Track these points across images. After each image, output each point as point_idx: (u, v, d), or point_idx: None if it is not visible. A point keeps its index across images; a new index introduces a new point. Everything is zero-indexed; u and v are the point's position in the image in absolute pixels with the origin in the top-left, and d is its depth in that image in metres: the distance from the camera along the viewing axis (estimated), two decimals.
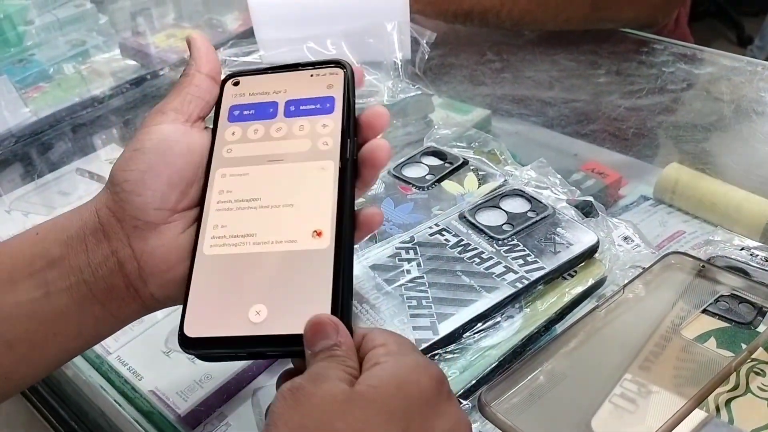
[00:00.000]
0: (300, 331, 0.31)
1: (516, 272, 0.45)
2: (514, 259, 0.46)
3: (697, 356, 0.42)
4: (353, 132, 0.37)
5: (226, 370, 0.49)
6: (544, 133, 0.71)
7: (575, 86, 0.73)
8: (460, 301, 0.44)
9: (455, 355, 0.42)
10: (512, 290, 0.44)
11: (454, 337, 0.42)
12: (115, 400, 0.49)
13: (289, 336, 0.32)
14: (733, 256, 0.50)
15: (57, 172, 0.72)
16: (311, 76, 0.39)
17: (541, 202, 0.51)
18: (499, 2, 0.76)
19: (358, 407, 0.28)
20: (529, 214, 0.50)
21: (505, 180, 0.56)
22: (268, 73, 0.40)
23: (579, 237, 0.47)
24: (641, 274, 0.48)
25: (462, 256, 0.47)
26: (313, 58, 0.71)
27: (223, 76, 0.40)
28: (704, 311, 0.45)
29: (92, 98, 0.82)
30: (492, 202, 0.52)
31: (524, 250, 0.47)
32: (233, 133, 0.38)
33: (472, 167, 0.58)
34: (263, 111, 0.38)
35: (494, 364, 0.42)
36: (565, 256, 0.46)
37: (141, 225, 0.35)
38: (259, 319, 0.32)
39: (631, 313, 0.46)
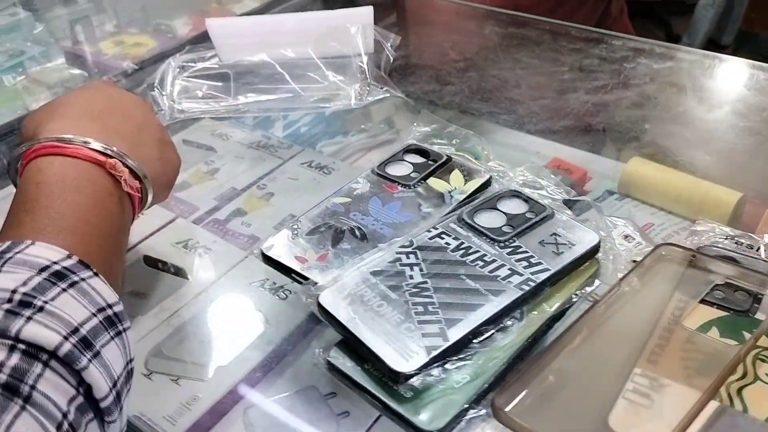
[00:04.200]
0: None
1: (521, 274, 0.44)
2: (518, 261, 0.45)
3: (703, 346, 0.43)
4: None
5: (214, 390, 0.46)
6: (505, 132, 0.70)
7: (541, 84, 0.74)
8: (467, 305, 0.42)
9: (466, 362, 0.41)
10: (519, 293, 0.43)
11: (464, 342, 0.41)
12: None
13: None
14: (719, 246, 0.51)
15: None
16: None
17: (538, 203, 0.50)
18: None
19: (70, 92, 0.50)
20: (528, 215, 0.49)
21: (491, 176, 0.56)
22: None
23: (581, 237, 0.47)
24: (635, 268, 0.48)
25: (464, 259, 0.46)
26: (274, 62, 0.69)
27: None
28: (702, 301, 0.46)
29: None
30: (489, 203, 0.51)
31: (527, 252, 0.46)
32: None
33: (456, 164, 0.57)
34: None
35: (503, 367, 0.41)
36: (568, 257, 0.46)
37: None
38: None
39: (630, 306, 0.46)
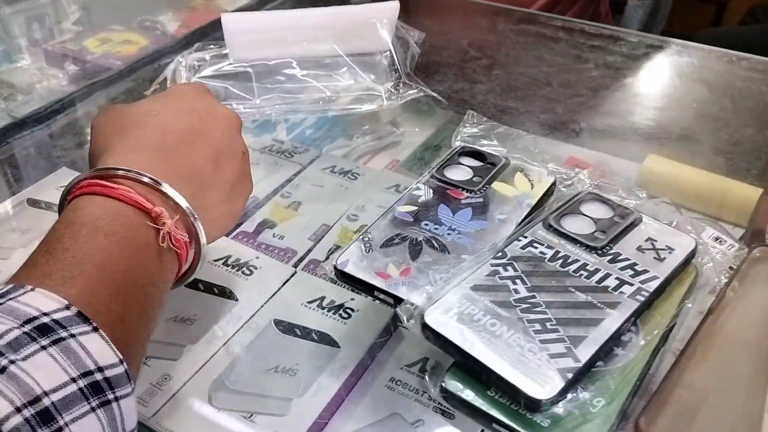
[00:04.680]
0: None
1: (631, 284, 0.41)
2: (622, 269, 0.42)
3: None
4: None
5: (295, 425, 0.41)
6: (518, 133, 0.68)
7: (572, 81, 0.71)
8: (587, 320, 0.39)
9: (597, 383, 0.37)
10: (636, 304, 0.40)
11: (593, 362, 0.37)
12: None
13: None
14: None
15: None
16: None
17: (622, 206, 0.48)
18: None
19: (136, 105, 0.44)
20: (616, 219, 0.46)
21: (555, 179, 0.53)
22: None
23: (677, 241, 0.44)
24: (736, 273, 0.45)
25: (566, 269, 0.42)
26: (295, 60, 0.64)
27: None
28: None
29: (22, 121, 0.67)
30: (571, 208, 0.47)
31: (628, 259, 0.43)
32: None
33: (517, 167, 0.54)
34: None
35: (636, 387, 0.38)
36: (672, 263, 0.43)
37: None
38: None
39: (742, 314, 0.43)
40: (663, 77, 0.74)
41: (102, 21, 0.87)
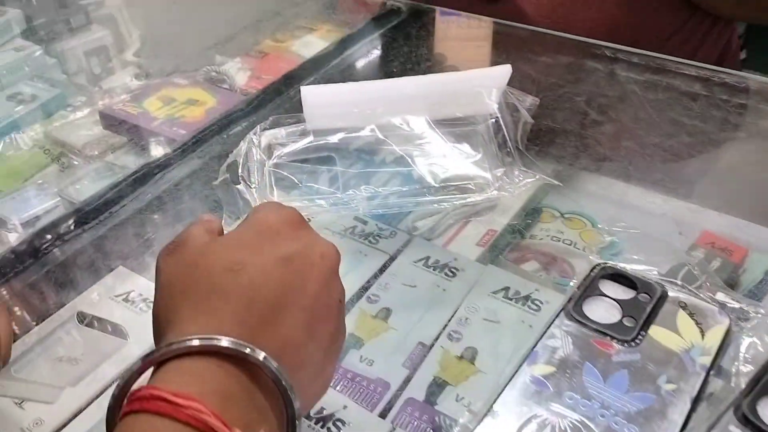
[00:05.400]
0: None
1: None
2: None
3: None
4: None
5: None
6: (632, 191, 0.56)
7: (722, 157, 0.58)
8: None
9: None
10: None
11: None
12: None
13: None
14: None
15: (42, 328, 0.48)
16: None
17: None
18: None
19: (215, 247, 0.34)
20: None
21: (730, 320, 0.40)
22: None
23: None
24: None
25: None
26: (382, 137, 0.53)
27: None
28: None
29: (76, 211, 0.55)
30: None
31: None
32: None
33: (677, 300, 0.42)
34: None
35: None
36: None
37: None
38: None
39: None
40: None
41: (166, 67, 0.78)
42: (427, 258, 0.56)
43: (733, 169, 0.61)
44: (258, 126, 0.54)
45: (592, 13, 0.76)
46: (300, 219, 0.37)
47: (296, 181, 0.52)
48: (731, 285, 0.49)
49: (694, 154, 0.59)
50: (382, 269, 0.55)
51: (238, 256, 0.33)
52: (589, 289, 0.42)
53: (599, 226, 0.56)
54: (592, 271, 0.44)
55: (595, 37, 0.74)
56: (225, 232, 0.38)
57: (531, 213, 0.58)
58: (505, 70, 0.55)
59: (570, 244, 0.55)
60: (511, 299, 0.51)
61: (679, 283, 0.43)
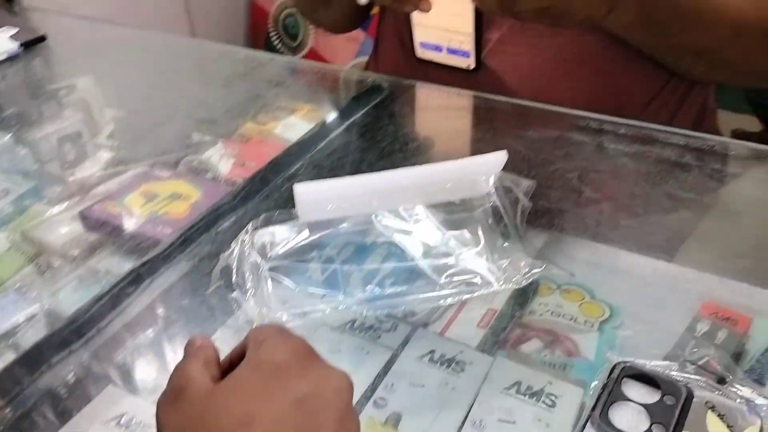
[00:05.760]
0: None
1: None
2: None
3: None
4: None
5: None
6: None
7: (725, 233, 0.58)
8: None
9: None
10: None
11: None
12: None
13: None
14: None
15: None
16: None
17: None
18: None
19: (221, 397, 0.32)
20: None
21: (762, 419, 0.39)
22: None
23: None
24: None
25: None
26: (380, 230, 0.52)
27: None
28: None
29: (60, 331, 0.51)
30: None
31: None
32: None
33: (704, 401, 0.40)
34: None
35: None
36: None
37: None
38: None
39: None
40: None
41: (140, 138, 0.76)
42: (432, 352, 0.54)
43: (725, 234, 0.60)
44: (249, 225, 0.52)
45: (573, 83, 0.76)
46: (307, 350, 0.35)
47: (294, 285, 0.50)
48: (737, 356, 0.48)
49: (689, 222, 0.59)
50: (387, 367, 0.53)
51: (247, 406, 0.31)
52: (612, 393, 0.41)
53: (598, 297, 0.55)
54: (612, 371, 0.42)
55: (577, 105, 0.74)
56: (221, 345, 0.36)
57: (528, 287, 0.56)
58: (500, 157, 0.54)
59: (571, 320, 0.54)
60: (524, 395, 0.49)
61: (703, 380, 0.41)
